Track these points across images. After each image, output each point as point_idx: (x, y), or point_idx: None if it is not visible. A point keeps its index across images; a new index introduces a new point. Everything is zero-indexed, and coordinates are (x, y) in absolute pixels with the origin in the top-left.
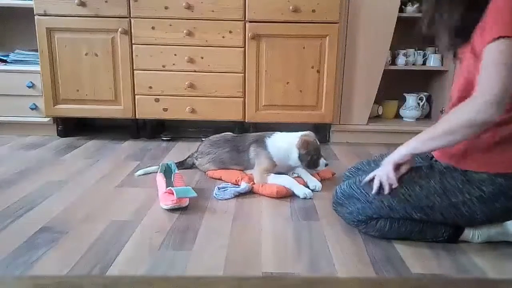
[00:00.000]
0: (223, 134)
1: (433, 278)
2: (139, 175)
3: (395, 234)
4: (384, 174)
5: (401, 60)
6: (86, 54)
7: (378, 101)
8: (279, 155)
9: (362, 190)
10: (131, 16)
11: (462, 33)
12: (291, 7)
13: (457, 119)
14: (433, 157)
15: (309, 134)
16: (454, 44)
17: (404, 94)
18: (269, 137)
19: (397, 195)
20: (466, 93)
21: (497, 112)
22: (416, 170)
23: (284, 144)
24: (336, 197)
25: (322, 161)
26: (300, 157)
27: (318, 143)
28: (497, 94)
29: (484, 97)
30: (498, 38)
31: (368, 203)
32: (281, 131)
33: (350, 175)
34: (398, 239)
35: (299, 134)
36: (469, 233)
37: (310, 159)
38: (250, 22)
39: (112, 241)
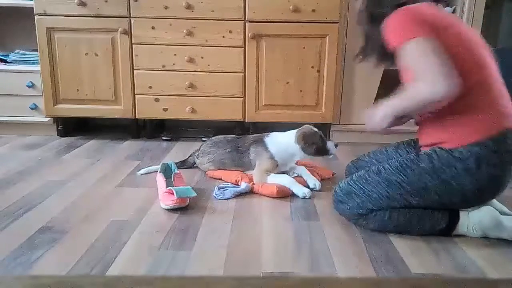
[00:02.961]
0: (226, 135)
1: (433, 278)
2: (141, 174)
3: (394, 224)
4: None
5: None
6: (86, 54)
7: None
8: (281, 153)
9: (360, 185)
10: (131, 16)
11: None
12: (291, 7)
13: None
14: (420, 149)
15: (305, 127)
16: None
17: None
18: (267, 136)
19: (392, 183)
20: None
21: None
22: (406, 157)
23: (284, 142)
24: (336, 195)
25: (330, 144)
26: (304, 150)
27: (317, 130)
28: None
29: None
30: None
31: (367, 197)
32: (279, 131)
33: (352, 165)
34: (397, 232)
35: (295, 130)
36: (464, 223)
37: (315, 148)
38: (250, 22)
39: (112, 241)
